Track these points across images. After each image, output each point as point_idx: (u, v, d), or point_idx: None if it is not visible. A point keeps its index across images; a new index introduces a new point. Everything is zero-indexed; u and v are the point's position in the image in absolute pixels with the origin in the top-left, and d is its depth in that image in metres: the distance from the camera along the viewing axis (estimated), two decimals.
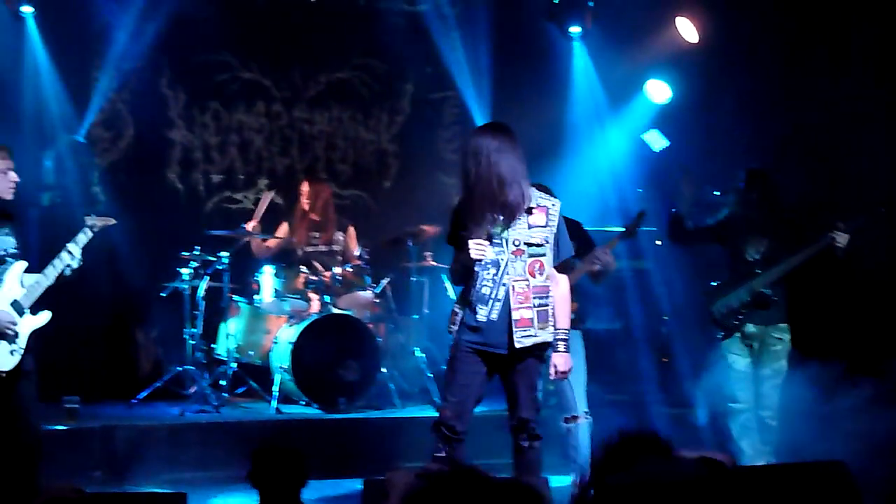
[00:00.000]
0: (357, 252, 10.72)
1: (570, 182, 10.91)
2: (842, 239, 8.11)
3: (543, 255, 6.59)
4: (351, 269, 10.47)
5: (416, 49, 12.41)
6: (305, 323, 10.08)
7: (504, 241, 6.50)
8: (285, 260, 10.82)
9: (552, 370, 6.72)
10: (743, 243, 8.48)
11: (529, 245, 6.54)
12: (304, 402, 10.22)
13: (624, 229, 8.32)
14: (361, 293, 10.47)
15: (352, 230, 10.98)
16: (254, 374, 10.49)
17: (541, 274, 6.56)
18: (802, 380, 8.43)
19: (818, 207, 9.14)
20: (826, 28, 10.26)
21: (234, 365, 10.42)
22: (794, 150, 10.22)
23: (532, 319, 6.53)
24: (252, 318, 10.75)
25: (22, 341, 6.89)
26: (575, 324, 8.16)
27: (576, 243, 8.15)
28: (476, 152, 6.46)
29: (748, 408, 8.42)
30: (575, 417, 8.02)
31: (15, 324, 6.82)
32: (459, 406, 6.63)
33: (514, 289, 6.50)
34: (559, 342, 6.68)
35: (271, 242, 10.94)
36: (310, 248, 10.82)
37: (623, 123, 11.68)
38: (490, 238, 6.47)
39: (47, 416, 8.38)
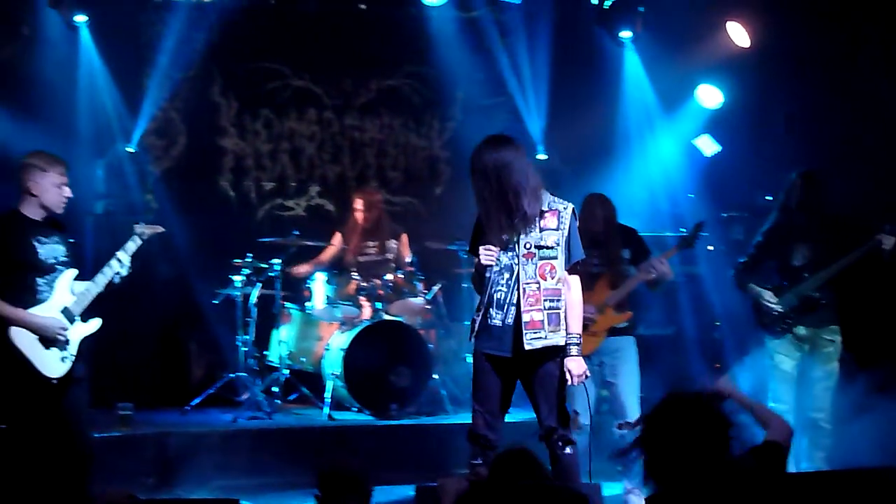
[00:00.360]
0: (409, 259, 10.72)
1: (622, 187, 10.88)
2: (888, 242, 8.03)
3: (555, 257, 6.53)
4: (402, 276, 10.47)
5: (467, 55, 12.41)
6: (357, 329, 10.09)
7: (516, 244, 6.50)
8: (337, 267, 10.83)
9: (567, 375, 6.66)
10: (789, 248, 8.41)
11: (540, 248, 6.50)
12: (356, 409, 10.23)
13: (682, 240, 8.27)
14: (413, 299, 10.47)
15: (404, 237, 10.99)
16: (306, 381, 10.52)
17: (552, 277, 6.52)
18: (854, 383, 8.36)
19: (865, 210, 9.03)
20: (878, 31, 10.16)
21: (287, 371, 10.45)
22: (846, 155, 10.12)
23: (542, 322, 6.49)
24: (304, 325, 10.76)
25: (73, 348, 6.92)
26: (628, 330, 8.16)
27: (631, 249, 8.15)
28: (484, 170, 6.44)
29: (789, 409, 8.34)
30: (629, 424, 7.97)
31: (65, 329, 6.86)
32: (488, 415, 6.61)
33: (524, 291, 6.48)
34: (571, 346, 6.60)
35: (325, 255, 10.96)
36: (363, 257, 10.84)
37: (674, 128, 11.62)
38: (504, 244, 6.49)
39: (101, 423, 8.43)
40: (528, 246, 6.50)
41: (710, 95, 11.28)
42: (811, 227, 8.35)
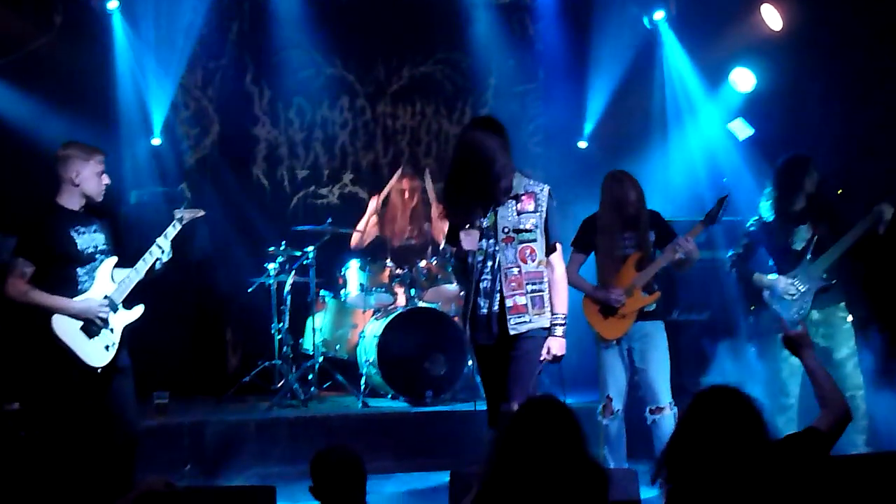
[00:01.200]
0: (442, 245, 10.71)
1: (657, 171, 10.86)
2: (888, 212, 8.00)
3: (534, 240, 6.53)
4: (436, 263, 10.46)
5: (499, 41, 12.39)
6: (391, 316, 10.10)
7: (494, 231, 6.51)
8: (371, 254, 10.84)
9: (545, 352, 6.63)
10: (788, 234, 8.37)
11: (518, 231, 6.51)
12: (390, 396, 10.24)
13: (706, 216, 8.22)
14: (447, 286, 10.45)
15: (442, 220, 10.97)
16: (340, 368, 10.54)
17: (532, 260, 6.52)
18: (869, 358, 8.36)
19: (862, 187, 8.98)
20: None
21: (321, 359, 10.47)
22: (883, 139, 10.04)
23: (526, 305, 6.50)
24: (338, 313, 10.79)
25: (116, 336, 6.96)
26: (657, 315, 8.13)
27: (655, 232, 8.12)
28: (463, 146, 6.52)
29: (796, 402, 8.34)
30: (660, 409, 7.96)
31: (107, 307, 6.89)
32: (491, 403, 6.67)
33: (506, 276, 6.48)
34: (556, 326, 6.60)
35: (368, 235, 10.95)
36: (400, 243, 10.84)
37: (708, 112, 11.55)
38: (481, 230, 6.50)
39: (139, 412, 8.47)
40: (506, 230, 6.51)
41: (743, 79, 11.21)
42: (809, 210, 8.31)
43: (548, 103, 12.56)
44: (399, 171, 11.11)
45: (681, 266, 8.16)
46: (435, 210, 10.79)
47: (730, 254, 8.73)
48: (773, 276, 8.43)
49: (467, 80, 12.54)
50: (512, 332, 6.49)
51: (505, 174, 6.48)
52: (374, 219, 10.99)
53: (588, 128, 12.24)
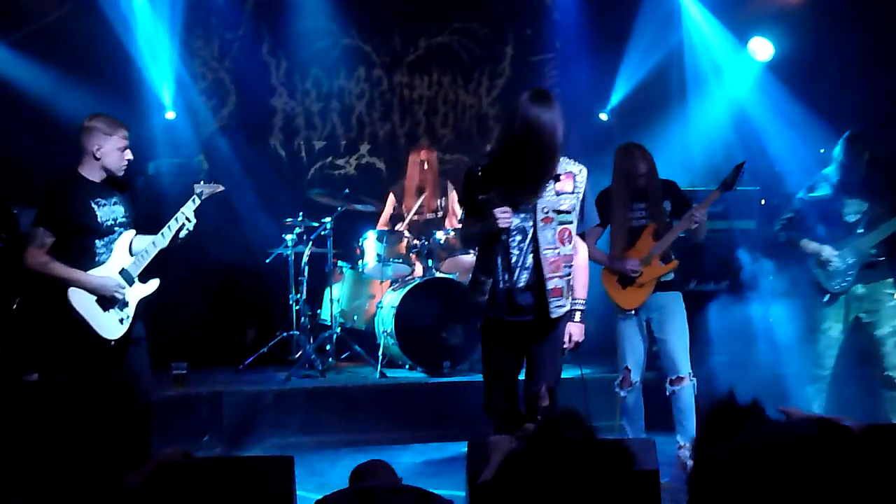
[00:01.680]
0: (459, 216, 10.71)
1: (675, 142, 10.83)
2: None
3: (571, 222, 6.39)
4: (453, 234, 10.45)
5: (515, 11, 12.36)
6: (408, 287, 10.10)
7: (532, 208, 6.35)
8: (388, 224, 10.84)
9: (567, 339, 6.62)
10: (840, 206, 8.35)
11: (558, 212, 6.35)
12: (408, 366, 10.27)
13: (722, 183, 8.18)
14: (464, 257, 10.44)
15: (454, 194, 10.96)
16: (358, 339, 10.55)
17: (569, 242, 6.40)
18: None
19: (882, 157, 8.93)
20: None
21: (339, 330, 10.49)
22: None
23: (563, 289, 6.42)
24: (356, 283, 10.80)
25: (130, 309, 6.98)
26: (674, 286, 8.12)
27: (671, 201, 8.10)
28: (515, 120, 6.16)
29: (829, 375, 8.36)
30: (680, 379, 7.96)
31: (123, 288, 6.91)
32: (504, 384, 6.58)
33: (546, 257, 6.37)
34: (577, 312, 6.57)
35: (382, 221, 10.96)
36: (417, 216, 10.84)
37: (726, 82, 11.51)
38: (516, 205, 6.33)
39: (157, 383, 8.49)
40: (545, 210, 6.34)
41: (762, 48, 11.16)
42: (865, 185, 8.30)
43: (565, 73, 12.53)
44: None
45: (697, 234, 8.13)
46: (452, 217, 10.80)
47: (781, 217, 8.69)
48: (819, 245, 8.42)
49: (484, 49, 12.52)
50: (552, 316, 6.44)
51: (560, 154, 6.35)
52: (391, 196, 10.98)
53: (610, 99, 12.18)
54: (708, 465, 4.08)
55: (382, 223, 10.97)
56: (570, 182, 6.38)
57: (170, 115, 11.22)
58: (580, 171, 6.43)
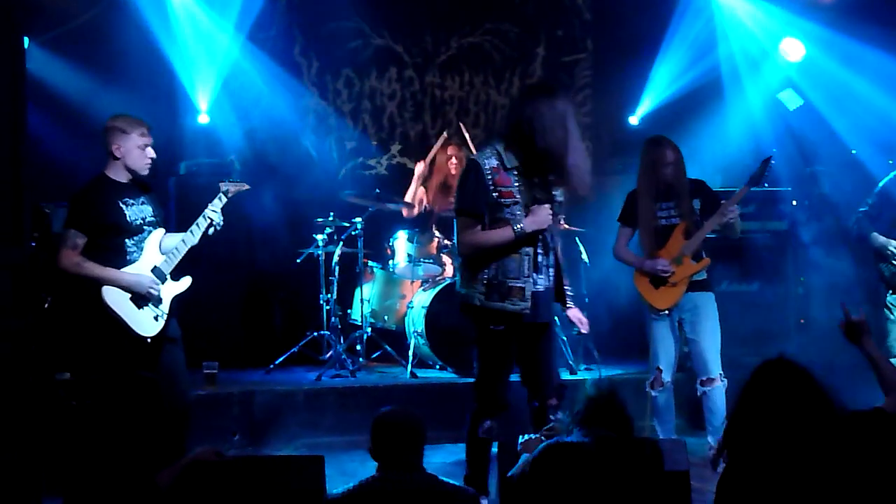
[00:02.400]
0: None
1: (708, 143, 10.79)
2: None
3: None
4: None
5: (547, 11, 12.35)
6: (439, 287, 10.09)
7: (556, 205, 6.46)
8: (419, 224, 10.84)
9: (581, 325, 6.73)
10: None
11: (560, 205, 6.53)
12: (438, 366, 10.27)
13: (750, 178, 8.15)
14: None
15: None
16: (389, 339, 10.56)
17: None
18: None
19: None
20: None
21: (370, 330, 10.49)
22: None
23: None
24: (386, 283, 10.80)
25: (165, 306, 7.02)
26: (707, 286, 8.10)
27: (700, 201, 8.08)
28: (542, 117, 6.22)
29: None
30: (711, 380, 7.95)
31: (158, 283, 6.95)
32: (506, 381, 6.64)
33: (558, 251, 6.53)
34: (570, 299, 6.73)
35: (418, 204, 10.94)
36: (445, 213, 10.83)
37: (758, 82, 11.47)
38: (542, 201, 6.38)
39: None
40: (555, 206, 6.46)
41: (794, 48, 11.12)
42: None
43: (597, 74, 12.51)
44: (443, 137, 11.06)
45: (728, 230, 8.09)
46: None
47: (858, 210, 8.66)
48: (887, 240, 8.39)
49: (515, 50, 12.50)
50: (568, 308, 6.50)
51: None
52: (422, 190, 10.97)
53: (641, 100, 12.13)
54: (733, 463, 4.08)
55: (411, 204, 10.92)
56: None
57: (203, 118, 11.25)
58: None
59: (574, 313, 6.70)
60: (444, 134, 11.14)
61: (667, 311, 8.01)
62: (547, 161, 6.28)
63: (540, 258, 6.41)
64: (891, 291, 8.38)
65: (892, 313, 8.34)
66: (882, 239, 8.39)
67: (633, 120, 12.17)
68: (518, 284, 6.37)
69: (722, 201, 7.98)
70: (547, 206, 6.30)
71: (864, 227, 8.53)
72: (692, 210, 8.03)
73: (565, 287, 6.62)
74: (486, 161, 6.40)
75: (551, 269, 6.48)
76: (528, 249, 6.36)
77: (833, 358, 9.36)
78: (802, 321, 10.55)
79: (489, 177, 6.35)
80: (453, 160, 10.81)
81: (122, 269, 6.88)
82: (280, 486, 4.84)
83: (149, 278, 6.93)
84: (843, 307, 4.82)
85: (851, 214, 8.81)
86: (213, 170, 10.70)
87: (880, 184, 8.68)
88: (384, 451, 4.61)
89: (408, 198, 10.90)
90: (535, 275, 6.40)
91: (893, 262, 8.29)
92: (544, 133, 6.21)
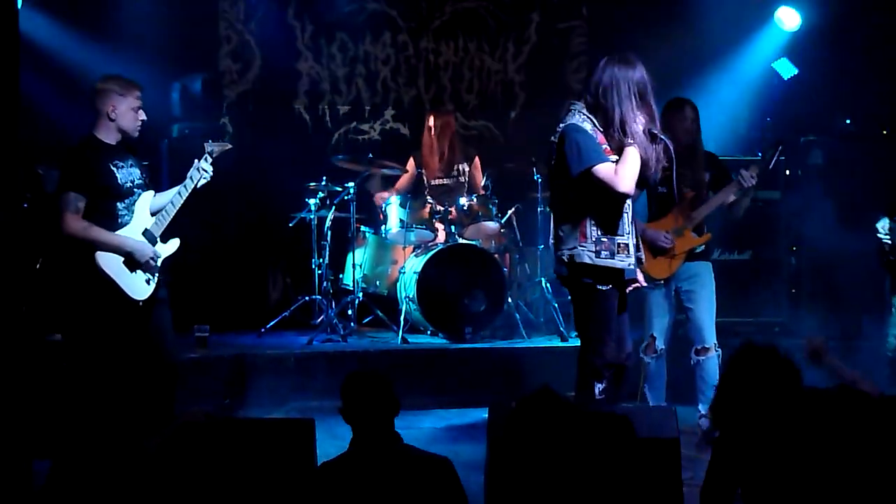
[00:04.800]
0: (483, 182, 10.69)
1: (700, 111, 10.75)
2: None
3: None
4: (477, 200, 10.42)
5: None
6: (431, 253, 10.09)
7: None
8: (411, 190, 10.83)
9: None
10: None
11: None
12: (429, 332, 10.28)
13: (761, 159, 8.13)
14: (487, 223, 10.42)
15: (477, 160, 10.94)
16: (380, 304, 10.56)
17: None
18: None
19: None
20: None
21: (361, 295, 10.49)
22: None
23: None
24: (378, 249, 10.80)
25: (157, 270, 7.02)
26: (705, 255, 8.11)
27: (710, 174, 8.07)
28: (628, 86, 6.42)
29: None
30: (706, 349, 7.96)
31: (158, 256, 6.95)
32: (622, 342, 6.63)
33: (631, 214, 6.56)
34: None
35: (399, 184, 10.94)
36: (436, 181, 10.82)
37: (753, 51, 11.43)
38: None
39: (179, 345, 8.51)
40: None
41: (789, 17, 11.08)
42: None
43: (592, 41, 12.46)
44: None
45: (735, 206, 8.10)
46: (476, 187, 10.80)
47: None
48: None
49: (510, 15, 12.45)
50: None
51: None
52: (412, 161, 10.96)
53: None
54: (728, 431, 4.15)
55: (399, 185, 10.95)
56: None
57: (202, 86, 11.23)
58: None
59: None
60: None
61: (663, 281, 8.01)
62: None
63: (629, 216, 6.52)
64: (888, 277, 8.36)
65: (891, 297, 8.34)
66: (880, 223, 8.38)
67: None
68: (621, 241, 6.45)
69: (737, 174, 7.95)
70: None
71: None
72: (704, 181, 8.03)
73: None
74: (582, 124, 6.44)
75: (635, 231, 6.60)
76: (625, 208, 6.45)
77: (823, 330, 9.42)
78: (794, 291, 10.56)
79: (594, 135, 6.42)
80: (433, 130, 10.81)
81: (118, 233, 6.86)
82: (270, 449, 4.84)
83: (151, 249, 6.91)
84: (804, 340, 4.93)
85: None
86: (206, 133, 10.65)
87: None
88: (356, 412, 4.61)
89: (396, 186, 10.93)
90: (630, 238, 6.49)
91: (884, 239, 8.27)
92: (619, 101, 6.39)
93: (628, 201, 6.44)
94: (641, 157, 6.33)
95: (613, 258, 6.39)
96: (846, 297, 8.63)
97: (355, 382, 4.68)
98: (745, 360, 4.24)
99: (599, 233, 6.40)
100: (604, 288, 6.42)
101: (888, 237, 8.20)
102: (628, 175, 6.31)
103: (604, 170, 6.30)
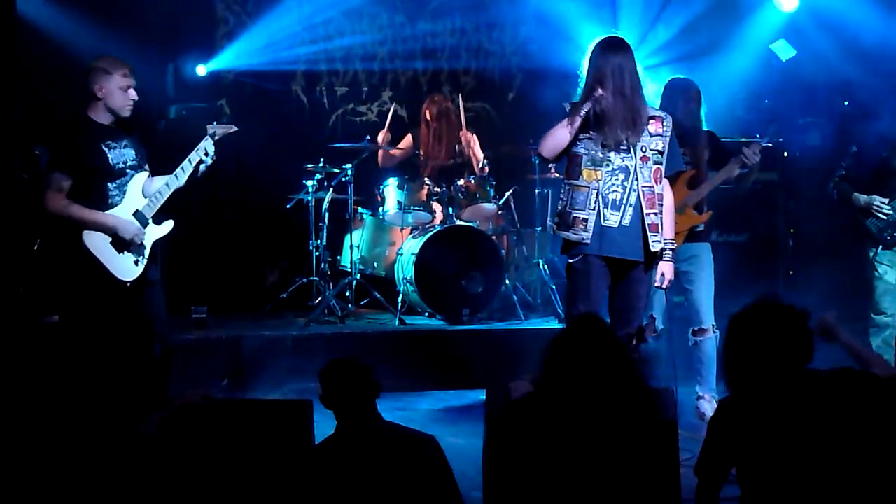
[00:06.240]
0: (481, 164, 10.67)
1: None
2: None
3: (661, 163, 6.64)
4: (474, 181, 10.42)
5: None
6: (429, 234, 10.09)
7: (632, 146, 6.52)
8: (409, 172, 10.82)
9: (659, 279, 6.71)
10: (891, 156, 8.25)
11: (653, 152, 6.58)
12: (427, 314, 10.27)
13: (758, 137, 8.15)
14: (485, 205, 10.41)
15: (475, 140, 10.91)
16: (378, 286, 10.55)
17: (660, 182, 6.64)
18: None
19: None
20: None
21: (359, 276, 10.49)
22: None
23: (658, 225, 6.59)
24: (376, 230, 10.80)
25: (145, 251, 7.00)
26: (704, 236, 8.11)
27: (709, 152, 8.07)
28: (605, 70, 6.49)
29: (892, 321, 8.26)
30: (703, 330, 7.99)
31: (143, 234, 6.94)
32: (620, 316, 6.66)
33: (644, 194, 6.52)
34: (667, 251, 6.69)
35: (396, 151, 10.95)
36: (434, 162, 10.81)
37: (751, 33, 11.41)
38: (618, 145, 6.49)
39: (176, 326, 8.52)
40: (643, 149, 6.56)
41: None
42: None
43: (588, 22, 12.41)
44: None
45: (742, 179, 8.12)
46: (466, 134, 10.77)
47: (836, 174, 8.58)
48: (869, 196, 8.32)
49: None
50: (653, 250, 6.59)
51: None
52: (409, 137, 10.96)
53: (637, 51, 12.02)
54: (723, 409, 4.17)
55: (395, 152, 10.97)
56: (660, 125, 6.66)
57: (201, 69, 11.21)
58: (666, 117, 6.71)
59: (662, 266, 6.71)
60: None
61: None
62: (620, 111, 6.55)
63: (615, 195, 6.53)
64: (881, 247, 8.32)
65: (877, 270, 8.30)
66: (865, 196, 8.33)
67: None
68: (582, 215, 6.56)
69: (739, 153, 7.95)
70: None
71: (844, 190, 8.47)
72: (704, 160, 8.04)
73: (649, 234, 6.61)
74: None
75: (630, 209, 6.55)
76: (598, 185, 6.53)
77: (819, 311, 9.38)
78: (791, 273, 10.56)
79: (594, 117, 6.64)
80: (427, 115, 10.83)
81: (106, 213, 6.86)
82: (268, 431, 4.85)
83: (136, 225, 6.90)
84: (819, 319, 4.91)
85: (828, 180, 8.76)
86: (203, 114, 10.65)
87: (853, 145, 8.62)
88: (336, 398, 4.61)
89: (387, 154, 10.93)
90: (606, 210, 6.51)
91: (880, 215, 8.24)
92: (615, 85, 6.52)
93: (599, 181, 6.50)
94: (605, 113, 6.46)
95: (568, 231, 6.57)
96: (844, 278, 8.60)
97: (333, 369, 4.69)
98: (754, 313, 4.26)
99: (571, 210, 6.58)
100: (571, 260, 6.63)
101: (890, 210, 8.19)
102: (547, 138, 6.63)
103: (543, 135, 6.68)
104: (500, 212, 10.67)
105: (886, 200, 8.20)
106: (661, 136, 6.62)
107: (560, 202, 6.70)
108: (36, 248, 8.50)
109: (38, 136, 8.60)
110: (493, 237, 10.41)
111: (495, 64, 12.47)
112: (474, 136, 10.91)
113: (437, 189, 10.42)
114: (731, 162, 7.96)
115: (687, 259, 8.01)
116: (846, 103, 10.29)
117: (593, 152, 6.52)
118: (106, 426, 4.71)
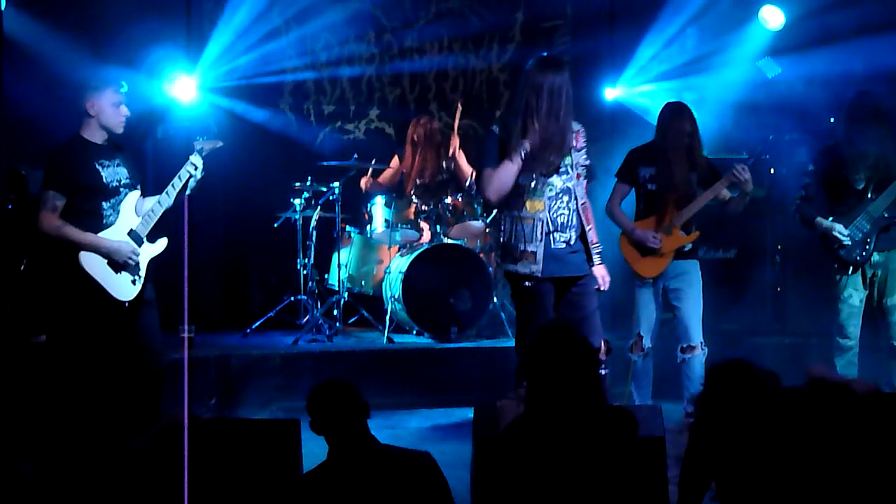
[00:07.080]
0: (468, 181, 10.68)
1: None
2: None
3: (586, 175, 6.75)
4: (462, 199, 10.43)
5: None
6: (417, 252, 10.10)
7: (569, 167, 6.58)
8: (396, 190, 10.83)
9: (601, 282, 6.78)
10: (849, 172, 8.23)
11: (582, 167, 6.67)
12: (415, 332, 10.28)
13: (746, 156, 8.17)
14: (472, 223, 10.44)
15: (462, 155, 10.91)
16: (366, 304, 10.56)
17: (587, 194, 6.75)
18: None
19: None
20: None
21: (346, 295, 10.49)
22: None
23: (595, 236, 6.75)
24: (364, 248, 10.80)
25: (142, 270, 7.00)
26: (693, 254, 8.13)
27: (696, 176, 8.08)
28: (542, 89, 6.46)
29: (855, 344, 8.25)
30: (692, 347, 8.01)
31: (137, 254, 6.93)
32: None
33: (583, 211, 6.64)
34: (597, 255, 6.77)
35: (383, 177, 10.97)
36: (420, 180, 10.82)
37: (737, 50, 11.43)
38: (557, 168, 6.53)
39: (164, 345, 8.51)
40: (576, 167, 6.62)
41: (773, 16, 11.09)
42: (867, 147, 8.15)
43: (576, 40, 12.45)
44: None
45: (731, 203, 8.12)
46: (455, 141, 10.81)
47: (795, 196, 8.57)
48: (830, 223, 8.28)
49: (495, 14, 12.42)
50: (596, 263, 6.70)
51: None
52: (396, 159, 10.99)
53: (625, 70, 12.04)
54: (703, 424, 4.19)
55: (383, 178, 10.98)
56: (581, 138, 6.69)
57: (188, 87, 11.19)
58: (581, 127, 6.73)
59: (599, 270, 6.75)
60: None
61: (651, 279, 8.06)
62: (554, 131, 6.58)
63: (562, 218, 6.57)
64: (840, 273, 8.30)
65: (840, 294, 8.28)
66: (826, 223, 8.29)
67: (610, 93, 12.04)
68: (529, 248, 6.55)
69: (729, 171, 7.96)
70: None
71: (806, 212, 8.45)
72: (691, 180, 8.05)
73: (592, 248, 6.68)
74: (497, 131, 6.76)
75: (574, 230, 6.62)
76: (542, 215, 6.54)
77: (807, 328, 9.43)
78: (779, 289, 10.58)
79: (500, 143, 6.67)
80: (415, 137, 10.94)
81: (101, 234, 6.85)
82: (256, 450, 4.84)
83: (129, 247, 6.90)
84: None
85: (789, 204, 8.77)
86: (190, 133, 10.63)
87: (809, 167, 8.62)
88: (326, 424, 4.55)
89: (380, 178, 10.95)
90: (556, 234, 6.55)
91: (844, 242, 8.21)
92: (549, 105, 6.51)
93: (542, 210, 6.50)
94: (542, 142, 6.43)
95: (516, 264, 6.57)
96: (831, 293, 8.60)
97: (320, 394, 4.65)
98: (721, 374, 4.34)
99: (517, 242, 6.59)
100: (523, 284, 6.62)
101: (851, 235, 8.18)
102: (492, 182, 6.54)
103: (483, 175, 6.62)
104: (487, 229, 10.67)
105: (846, 232, 8.18)
106: (584, 147, 6.68)
107: (502, 234, 6.69)
108: (23, 267, 8.49)
109: (29, 157, 8.61)
110: (481, 255, 10.41)
111: (483, 82, 12.47)
112: (461, 152, 10.92)
113: (424, 207, 10.44)
114: (720, 181, 7.98)
115: (676, 276, 8.04)
116: (832, 120, 10.29)
117: (533, 182, 6.53)
118: (93, 444, 4.69)
